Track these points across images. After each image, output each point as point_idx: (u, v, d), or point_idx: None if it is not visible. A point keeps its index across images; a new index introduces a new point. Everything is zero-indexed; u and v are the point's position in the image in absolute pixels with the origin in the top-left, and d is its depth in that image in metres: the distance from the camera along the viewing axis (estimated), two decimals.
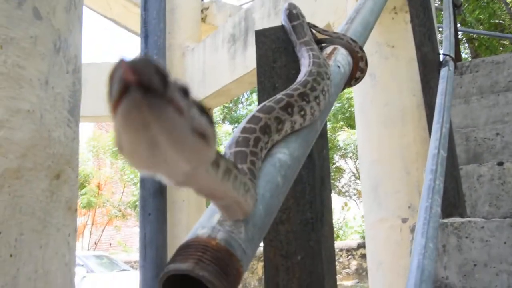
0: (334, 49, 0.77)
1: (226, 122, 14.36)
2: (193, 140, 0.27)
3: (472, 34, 9.52)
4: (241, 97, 14.41)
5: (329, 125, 11.69)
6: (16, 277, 1.02)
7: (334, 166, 12.46)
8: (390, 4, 2.71)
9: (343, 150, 12.11)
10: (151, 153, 0.26)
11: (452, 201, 1.68)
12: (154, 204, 4.30)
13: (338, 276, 10.20)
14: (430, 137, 1.48)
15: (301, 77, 0.62)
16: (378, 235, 2.60)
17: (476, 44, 10.03)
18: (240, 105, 15.05)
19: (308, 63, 0.66)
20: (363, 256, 9.85)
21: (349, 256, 10.54)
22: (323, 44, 0.80)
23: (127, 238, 17.09)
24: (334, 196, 12.79)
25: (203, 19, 5.79)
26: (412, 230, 1.58)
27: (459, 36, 7.38)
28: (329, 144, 11.20)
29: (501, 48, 9.97)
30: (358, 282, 10.12)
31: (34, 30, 1.15)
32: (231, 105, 14.54)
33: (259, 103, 0.63)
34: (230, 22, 4.66)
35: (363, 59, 0.81)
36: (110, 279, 9.27)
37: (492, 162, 1.82)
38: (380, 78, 2.73)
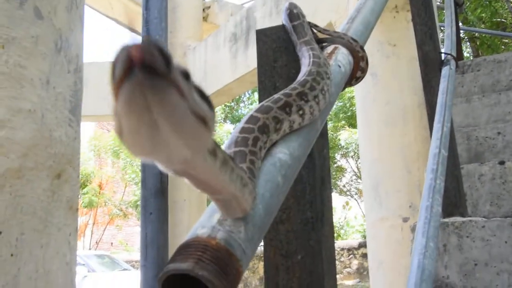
0: (335, 48, 0.77)
1: (227, 121, 14.36)
2: (194, 124, 0.27)
3: (474, 33, 9.51)
4: (242, 96, 14.41)
5: (330, 124, 11.69)
6: (17, 276, 1.02)
7: (335, 165, 12.45)
8: (391, 3, 2.71)
9: (344, 149, 12.11)
10: (151, 136, 0.26)
11: (453, 200, 1.68)
12: (156, 203, 4.30)
13: (340, 275, 10.21)
14: (431, 136, 1.47)
15: (300, 76, 0.62)
16: (379, 234, 2.60)
17: (478, 43, 10.01)
18: (241, 104, 15.05)
19: (308, 63, 0.66)
20: (364, 255, 9.85)
21: (350, 255, 10.55)
22: (323, 44, 0.80)
23: (128, 237, 17.10)
24: (335, 195, 12.79)
25: (205, 18, 5.79)
26: (413, 229, 1.58)
27: (461, 35, 7.38)
28: (331, 143, 11.20)
29: (503, 47, 9.96)
30: (359, 281, 10.13)
31: (35, 29, 1.15)
32: (232, 104, 14.54)
33: (259, 103, 0.63)
34: (232, 21, 4.65)
35: (364, 58, 0.81)
36: (111, 279, 9.30)
37: (493, 161, 1.81)
38: (382, 77, 2.73)
